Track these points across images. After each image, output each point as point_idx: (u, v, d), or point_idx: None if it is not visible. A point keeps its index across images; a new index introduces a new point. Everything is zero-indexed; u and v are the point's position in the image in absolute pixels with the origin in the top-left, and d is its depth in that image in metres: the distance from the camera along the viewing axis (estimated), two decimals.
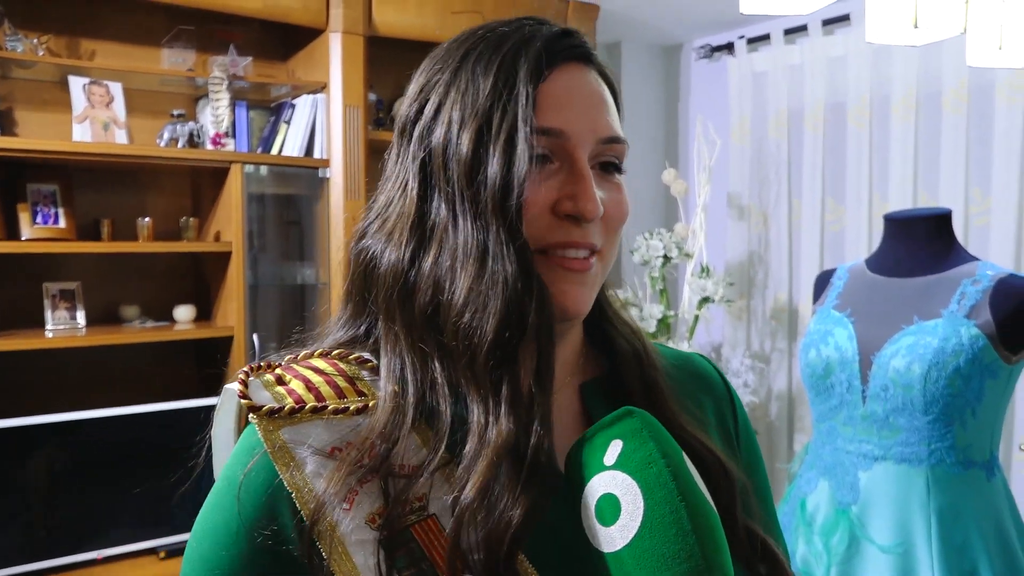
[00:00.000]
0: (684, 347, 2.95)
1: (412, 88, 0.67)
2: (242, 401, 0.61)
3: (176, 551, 2.42)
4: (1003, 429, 1.58)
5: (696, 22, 3.48)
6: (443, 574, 0.55)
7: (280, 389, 0.62)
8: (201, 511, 0.62)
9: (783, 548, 0.73)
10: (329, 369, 0.64)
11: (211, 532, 0.60)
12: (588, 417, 0.68)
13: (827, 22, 3.11)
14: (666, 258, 3.08)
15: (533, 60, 0.61)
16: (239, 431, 0.63)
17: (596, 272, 0.65)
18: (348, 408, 0.61)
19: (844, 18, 3.04)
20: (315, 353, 0.66)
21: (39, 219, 2.37)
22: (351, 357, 0.65)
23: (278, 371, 0.65)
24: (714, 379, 0.79)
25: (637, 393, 0.69)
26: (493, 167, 0.59)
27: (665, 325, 3.04)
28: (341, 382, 0.63)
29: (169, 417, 2.41)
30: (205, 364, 2.72)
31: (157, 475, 2.40)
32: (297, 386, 0.62)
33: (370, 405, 0.61)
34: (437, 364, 0.61)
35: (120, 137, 2.48)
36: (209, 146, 2.58)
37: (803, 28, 3.19)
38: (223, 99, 2.58)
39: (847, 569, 1.53)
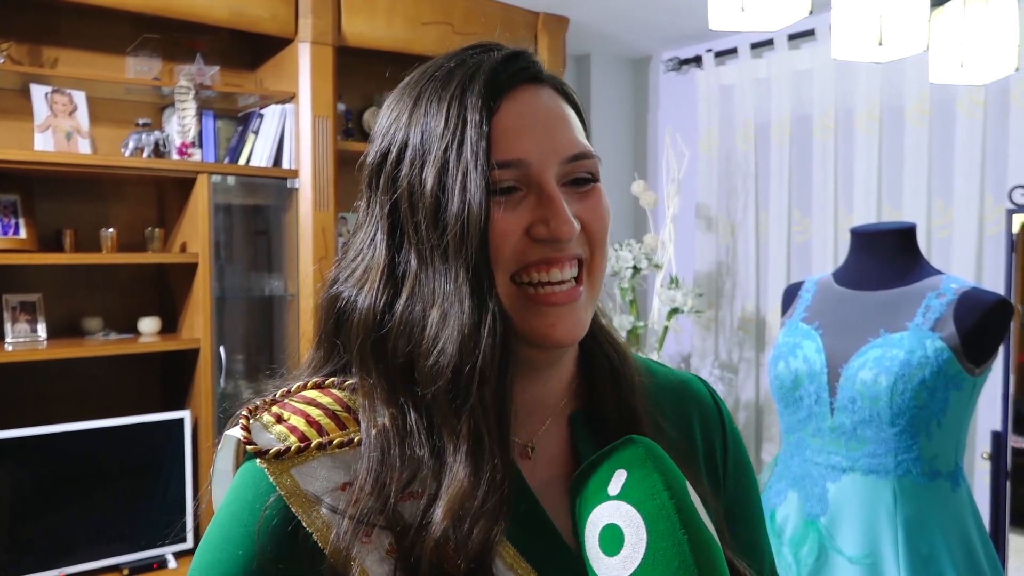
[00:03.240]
0: (654, 357, 2.96)
1: (374, 135, 0.66)
2: (248, 447, 0.61)
3: (139, 568, 2.37)
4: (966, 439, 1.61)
5: (665, 35, 3.51)
6: None
7: (281, 428, 0.62)
8: (203, 546, 0.61)
9: (769, 566, 0.75)
10: (325, 400, 0.64)
11: (219, 565, 0.59)
12: (574, 448, 0.68)
13: (793, 37, 3.16)
14: (636, 269, 3.09)
15: (481, 94, 0.60)
16: (236, 467, 0.64)
17: (585, 294, 0.64)
18: (353, 440, 0.61)
19: (809, 33, 3.09)
20: (308, 384, 0.66)
21: None
22: (345, 384, 0.65)
23: (275, 409, 0.64)
24: (708, 404, 0.77)
25: (612, 420, 0.68)
26: (452, 209, 0.58)
27: (635, 336, 3.05)
28: (340, 412, 0.63)
29: (133, 431, 2.37)
30: (171, 377, 2.68)
31: (121, 491, 2.37)
32: (298, 422, 0.62)
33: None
34: (413, 413, 0.61)
35: (83, 147, 2.43)
36: (175, 156, 2.55)
37: (769, 43, 3.24)
38: (190, 108, 2.54)
39: None
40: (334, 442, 0.61)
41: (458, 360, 0.58)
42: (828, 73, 3.06)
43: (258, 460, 0.60)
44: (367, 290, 0.63)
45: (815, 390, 1.59)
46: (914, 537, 1.48)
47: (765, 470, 1.92)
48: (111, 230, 2.47)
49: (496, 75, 0.62)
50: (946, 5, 1.74)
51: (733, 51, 3.39)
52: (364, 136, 3.00)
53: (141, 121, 2.55)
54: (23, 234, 2.36)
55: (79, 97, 2.44)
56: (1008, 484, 2.51)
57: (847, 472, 1.54)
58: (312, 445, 0.60)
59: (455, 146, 0.59)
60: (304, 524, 0.58)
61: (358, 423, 0.62)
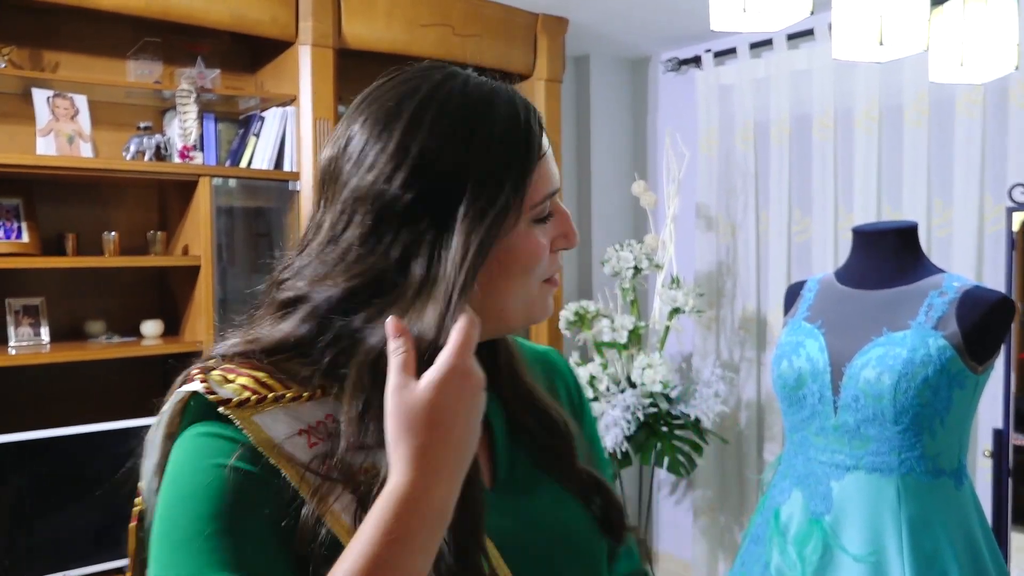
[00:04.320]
0: (656, 358, 2.97)
1: (406, 164, 0.69)
2: (209, 397, 0.67)
3: None
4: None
5: (664, 36, 3.52)
6: None
7: (233, 385, 0.69)
8: (165, 513, 0.65)
9: (611, 482, 0.89)
10: (268, 368, 0.70)
11: (188, 524, 0.63)
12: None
13: (792, 36, 3.16)
14: (636, 269, 3.10)
15: (535, 145, 0.72)
16: (169, 434, 0.71)
17: None
18: (303, 395, 0.69)
19: (808, 33, 3.10)
20: (245, 362, 0.72)
21: (1, 234, 2.32)
22: (287, 361, 0.71)
23: (217, 373, 0.70)
24: (565, 370, 0.96)
25: (504, 371, 0.82)
26: (480, 236, 0.68)
27: (636, 336, 3.05)
28: (283, 379, 0.70)
29: (136, 435, 2.37)
30: (173, 381, 2.68)
31: (123, 494, 2.37)
32: (246, 382, 0.69)
33: (317, 395, 0.69)
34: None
35: (85, 150, 2.44)
36: (177, 159, 2.55)
37: (768, 43, 3.24)
38: (191, 112, 2.55)
39: None
40: (287, 396, 0.68)
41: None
42: (827, 73, 3.06)
43: (222, 408, 0.66)
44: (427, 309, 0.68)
45: (818, 389, 1.59)
46: (918, 535, 1.49)
47: (768, 469, 1.92)
48: (113, 233, 2.47)
49: (538, 127, 0.74)
50: (946, 4, 1.75)
51: (732, 51, 3.39)
52: None
53: (142, 124, 2.55)
54: (25, 238, 2.36)
55: (81, 101, 2.44)
56: (1010, 482, 2.52)
57: (851, 470, 1.55)
58: (269, 397, 0.68)
59: (513, 186, 0.70)
60: (273, 462, 0.65)
61: (300, 386, 0.69)
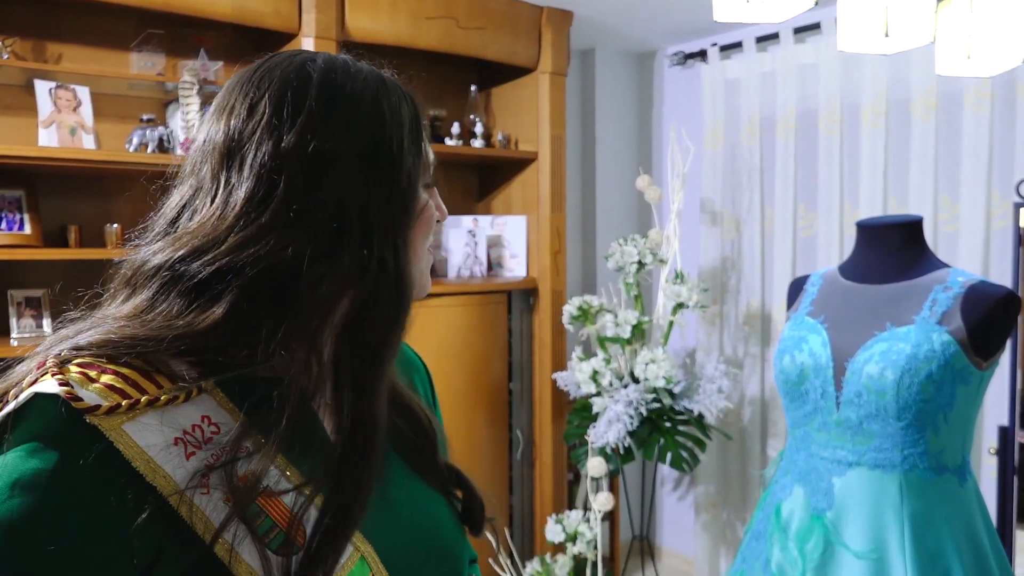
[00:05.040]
0: (659, 353, 2.96)
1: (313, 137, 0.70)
2: (73, 404, 0.59)
3: None
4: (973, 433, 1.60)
5: (669, 29, 3.50)
6: (295, 536, 0.64)
7: (97, 386, 0.61)
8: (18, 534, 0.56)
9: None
10: (136, 363, 0.64)
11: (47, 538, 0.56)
12: None
13: (798, 30, 3.14)
14: (640, 264, 3.08)
15: (423, 118, 0.79)
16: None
17: None
18: (178, 397, 0.63)
19: (815, 26, 3.07)
20: (103, 356, 0.64)
21: (3, 225, 2.32)
22: (153, 355, 0.65)
23: (75, 371, 0.62)
24: (420, 364, 0.99)
25: None
26: (402, 206, 0.74)
27: (640, 331, 3.04)
28: (156, 376, 0.64)
29: None
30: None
31: None
32: (112, 380, 0.62)
33: (193, 393, 0.64)
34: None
35: (88, 142, 2.43)
36: (179, 151, 2.55)
37: (775, 36, 3.22)
38: (193, 104, 2.54)
39: (822, 575, 1.54)
40: (161, 399, 0.62)
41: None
42: (833, 67, 3.04)
43: (88, 416, 0.59)
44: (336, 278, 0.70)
45: (821, 384, 1.58)
46: (920, 532, 1.47)
47: (770, 465, 1.91)
48: (115, 226, 2.47)
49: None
50: None
51: (738, 45, 3.37)
52: None
53: (145, 117, 2.55)
54: (28, 230, 2.36)
55: (83, 93, 2.44)
56: (1015, 480, 2.50)
57: (853, 467, 1.53)
58: (143, 401, 0.61)
59: (417, 146, 0.76)
60: (147, 477, 0.59)
61: (173, 383, 0.64)
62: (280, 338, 0.65)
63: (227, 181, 0.69)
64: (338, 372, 0.71)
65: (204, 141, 0.73)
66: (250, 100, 0.71)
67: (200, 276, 0.65)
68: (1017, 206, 2.47)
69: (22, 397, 0.60)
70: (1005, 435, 2.49)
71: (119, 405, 0.60)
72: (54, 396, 0.60)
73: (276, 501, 0.64)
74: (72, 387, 0.60)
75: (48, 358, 0.63)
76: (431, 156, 0.80)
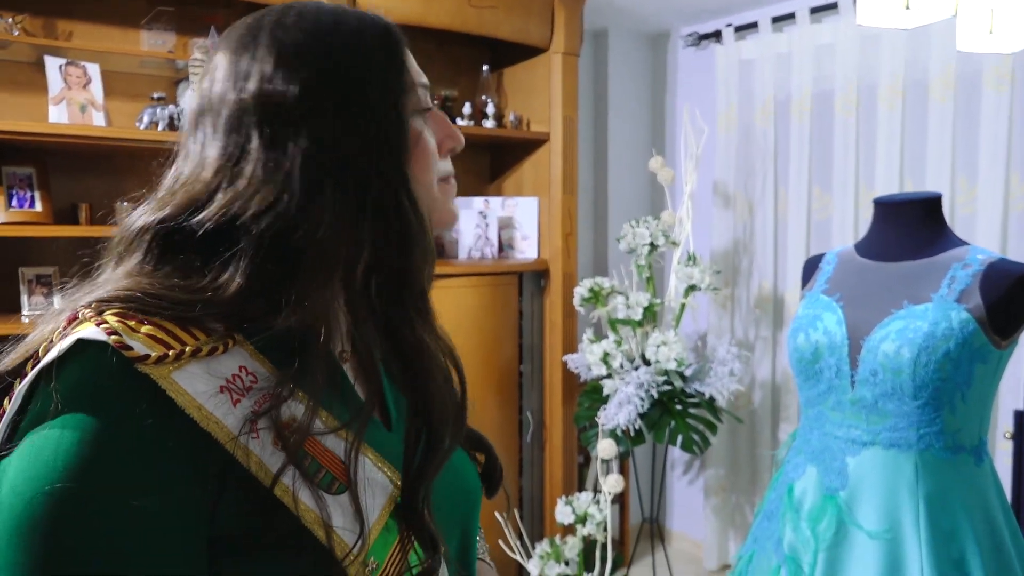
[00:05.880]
0: (671, 335, 2.94)
1: (294, 74, 0.69)
2: (123, 352, 0.58)
3: None
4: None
5: (683, 10, 3.46)
6: (339, 475, 0.66)
7: (140, 336, 0.60)
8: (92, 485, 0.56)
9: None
10: (165, 321, 0.63)
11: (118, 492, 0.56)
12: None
13: (815, 10, 3.10)
14: (652, 246, 3.06)
15: (396, 41, 0.75)
16: (31, 384, 0.59)
17: None
18: (218, 348, 0.63)
19: (832, 6, 3.03)
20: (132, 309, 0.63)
21: (14, 203, 2.32)
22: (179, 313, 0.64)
23: (113, 319, 0.61)
24: None
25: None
26: (393, 140, 0.71)
27: (651, 313, 3.02)
28: (190, 327, 0.64)
29: None
30: None
31: None
32: (153, 331, 0.61)
33: (229, 344, 0.64)
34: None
35: (98, 119, 2.43)
36: None
37: (791, 16, 3.18)
38: None
39: (835, 555, 1.52)
40: (203, 350, 0.62)
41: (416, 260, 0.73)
42: (851, 46, 3.00)
43: (139, 365, 0.58)
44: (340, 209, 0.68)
45: (836, 363, 1.56)
46: (935, 512, 1.45)
47: (782, 448, 1.89)
48: (126, 204, 2.46)
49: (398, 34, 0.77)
50: None
51: (753, 25, 3.33)
52: None
53: (156, 95, 2.54)
54: (39, 207, 2.36)
55: (93, 70, 2.43)
56: None
57: (868, 446, 1.52)
58: (187, 350, 0.61)
59: (391, 73, 0.72)
60: (200, 423, 0.60)
61: (206, 334, 0.64)
62: (295, 293, 0.65)
63: (202, 142, 0.70)
64: (367, 314, 0.72)
65: (188, 112, 0.74)
66: (214, 60, 0.72)
67: (191, 235, 0.65)
68: None
69: (65, 343, 0.59)
70: (1021, 419, 2.46)
71: (166, 355, 0.60)
72: (101, 344, 0.58)
73: (316, 442, 0.66)
74: (120, 336, 0.59)
75: (78, 310, 0.62)
76: (422, 80, 0.75)
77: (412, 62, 0.75)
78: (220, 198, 0.66)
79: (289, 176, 0.66)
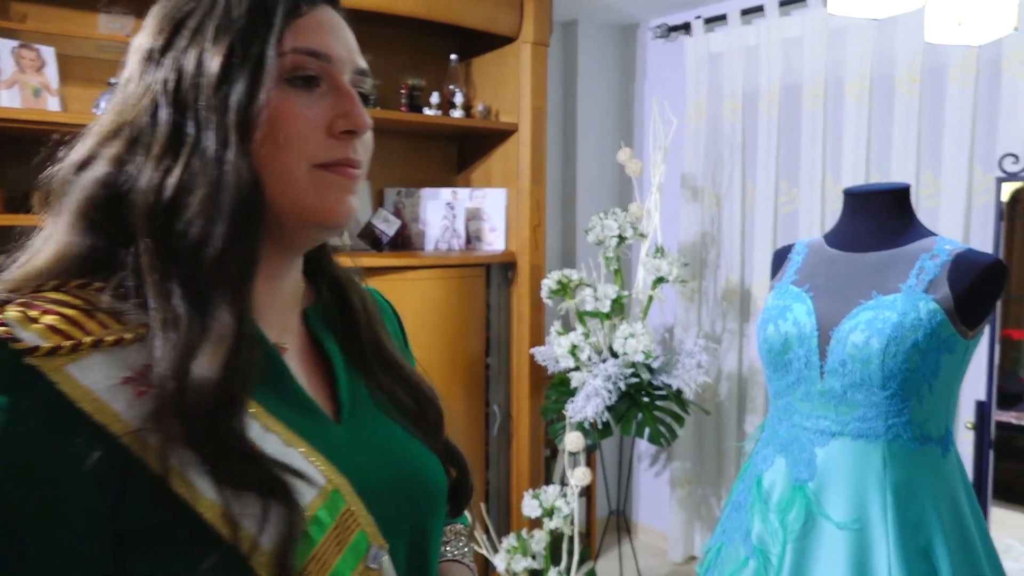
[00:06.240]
0: (638, 327, 2.93)
1: (156, 21, 0.68)
2: (12, 345, 0.56)
3: None
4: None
5: (653, 1, 3.45)
6: None
7: (38, 327, 0.58)
8: None
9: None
10: (76, 302, 0.61)
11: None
12: (318, 343, 0.77)
13: (784, 3, 3.10)
14: (621, 238, 3.05)
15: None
16: None
17: (360, 182, 0.72)
18: (124, 338, 0.60)
19: None
20: (49, 286, 0.62)
21: None
22: (92, 288, 0.63)
23: (14, 310, 0.59)
24: (384, 305, 0.94)
25: (362, 323, 0.80)
26: (240, 87, 0.63)
27: (619, 305, 3.01)
28: (98, 313, 0.61)
29: None
30: None
31: None
32: (54, 320, 0.59)
33: (144, 333, 0.61)
34: (186, 297, 0.63)
35: (52, 104, 2.35)
36: None
37: (759, 9, 3.18)
38: None
39: (803, 546, 1.52)
40: (107, 339, 0.60)
41: (223, 246, 0.62)
42: (819, 40, 3.01)
43: (27, 358, 0.56)
44: (151, 162, 0.64)
45: (805, 353, 1.55)
46: (903, 502, 1.46)
47: (748, 440, 1.89)
48: None
49: None
50: None
51: (723, 18, 3.33)
52: None
53: (114, 80, 2.46)
54: None
55: (48, 53, 2.35)
56: (991, 454, 2.51)
57: (836, 437, 1.51)
58: (86, 342, 0.59)
59: (252, 33, 0.65)
60: (95, 417, 0.57)
61: (119, 323, 0.61)
62: (131, 260, 0.64)
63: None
64: (168, 275, 0.64)
65: None
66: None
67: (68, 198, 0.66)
68: (999, 181, 2.46)
69: None
70: (982, 410, 2.49)
71: (60, 347, 0.57)
72: None
73: None
74: (10, 327, 0.57)
75: None
76: (317, 48, 0.67)
77: (314, 26, 0.68)
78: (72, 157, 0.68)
79: (125, 133, 0.66)
